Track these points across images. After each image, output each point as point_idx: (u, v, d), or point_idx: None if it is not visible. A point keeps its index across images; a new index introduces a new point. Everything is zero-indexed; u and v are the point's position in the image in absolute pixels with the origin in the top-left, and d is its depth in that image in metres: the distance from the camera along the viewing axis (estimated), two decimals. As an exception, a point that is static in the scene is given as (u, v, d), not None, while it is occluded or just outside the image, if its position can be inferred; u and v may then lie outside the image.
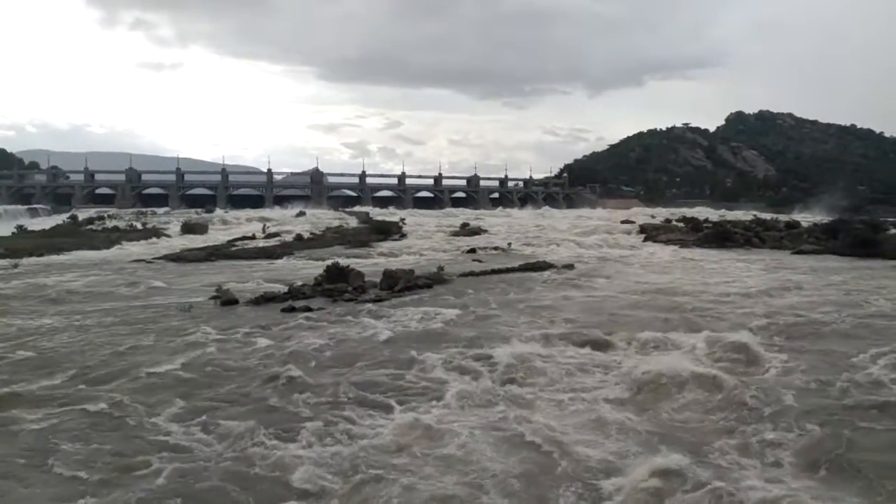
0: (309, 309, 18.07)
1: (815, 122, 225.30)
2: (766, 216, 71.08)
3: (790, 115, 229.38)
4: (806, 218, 77.32)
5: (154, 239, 46.07)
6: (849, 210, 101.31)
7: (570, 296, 20.89)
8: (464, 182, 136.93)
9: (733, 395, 9.99)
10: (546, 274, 26.76)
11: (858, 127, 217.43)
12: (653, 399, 10.08)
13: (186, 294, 21.11)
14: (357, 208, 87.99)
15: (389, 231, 49.43)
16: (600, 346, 13.44)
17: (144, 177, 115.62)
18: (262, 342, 14.04)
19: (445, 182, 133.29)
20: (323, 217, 66.90)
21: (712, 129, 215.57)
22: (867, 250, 36.81)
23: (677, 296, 20.60)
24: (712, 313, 17.37)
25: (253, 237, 45.66)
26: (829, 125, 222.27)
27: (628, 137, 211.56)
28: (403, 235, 49.18)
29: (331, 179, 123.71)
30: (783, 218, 68.71)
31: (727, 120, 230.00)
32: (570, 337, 14.08)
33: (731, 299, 19.81)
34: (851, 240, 39.23)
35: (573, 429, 8.78)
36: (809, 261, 33.73)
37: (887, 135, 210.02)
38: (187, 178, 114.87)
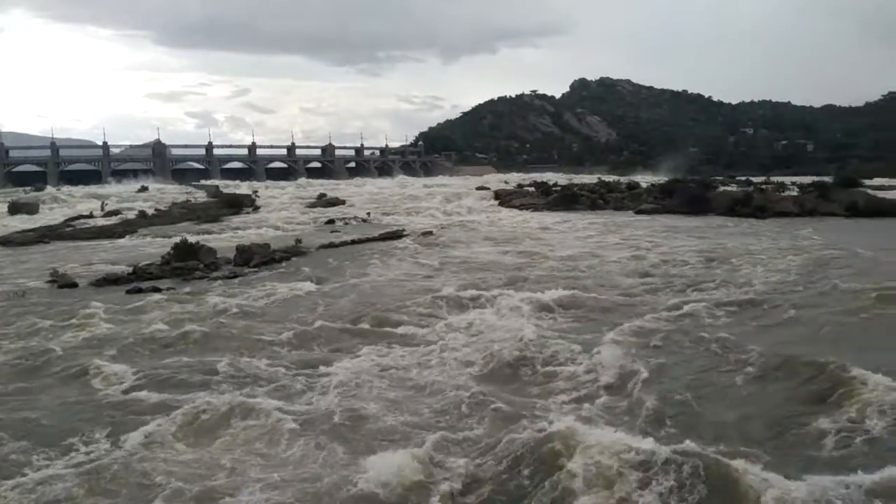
0: (157, 290, 17.05)
1: (650, 88, 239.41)
2: (610, 179, 75.28)
3: (628, 82, 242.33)
4: (645, 179, 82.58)
5: (-26, 222, 41.65)
6: (683, 170, 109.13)
7: (425, 262, 21.12)
8: (318, 152, 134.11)
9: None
10: (406, 241, 26.87)
11: (690, 92, 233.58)
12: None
13: (18, 279, 19.27)
14: (205, 182, 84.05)
15: (241, 204, 47.60)
16: (463, 306, 13.91)
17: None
18: (103, 327, 13.06)
19: (299, 152, 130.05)
20: (168, 192, 63.40)
21: (558, 95, 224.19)
22: (699, 207, 39.96)
23: (524, 258, 21.45)
24: (555, 274, 18.29)
25: (91, 216, 42.36)
26: (663, 90, 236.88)
27: (481, 105, 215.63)
28: (257, 208, 47.56)
29: (175, 152, 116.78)
30: (625, 180, 73.09)
31: (571, 87, 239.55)
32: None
33: (569, 261, 20.88)
34: (685, 198, 42.39)
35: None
36: (648, 219, 36.18)
37: (715, 99, 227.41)
38: (12, 154, 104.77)
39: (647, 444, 6.41)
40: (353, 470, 6.69)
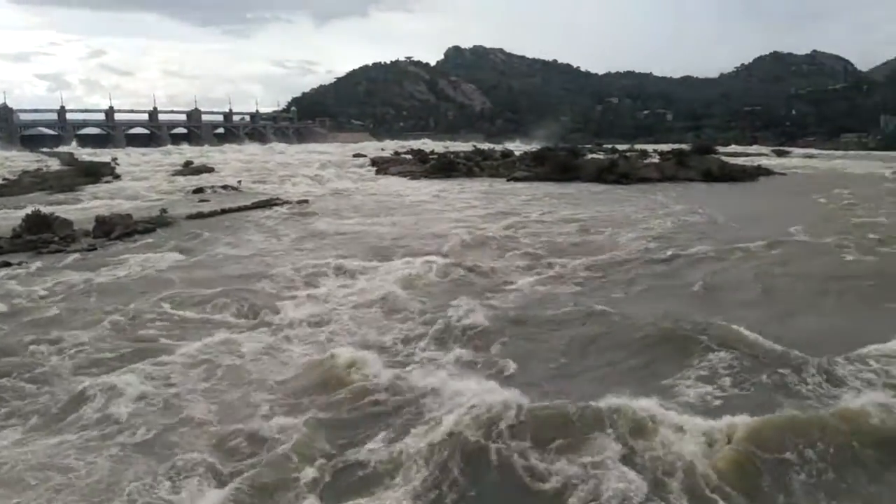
0: (7, 264, 15.72)
1: (522, 58, 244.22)
2: (485, 146, 76.47)
3: (501, 51, 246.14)
4: (519, 147, 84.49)
5: None
6: (555, 139, 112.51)
7: (296, 234, 20.61)
8: (183, 117, 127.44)
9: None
10: (281, 210, 26.13)
11: (560, 62, 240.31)
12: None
13: None
14: (59, 149, 77.92)
15: (100, 173, 44.50)
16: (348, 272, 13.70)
17: None
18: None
19: (162, 117, 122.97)
20: (17, 160, 58.23)
21: (433, 62, 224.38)
22: (569, 174, 41.32)
23: (400, 228, 21.40)
24: (429, 243, 18.33)
25: (-77, 186, 38.31)
26: (535, 60, 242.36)
27: (355, 70, 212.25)
28: (117, 177, 44.62)
29: (23, 117, 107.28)
30: (499, 148, 74.45)
31: (445, 54, 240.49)
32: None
33: (448, 232, 21.06)
34: (556, 166, 43.72)
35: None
36: (521, 186, 37.05)
37: (584, 69, 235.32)
38: None
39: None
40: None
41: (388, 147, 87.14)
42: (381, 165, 52.62)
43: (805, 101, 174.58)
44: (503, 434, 6.10)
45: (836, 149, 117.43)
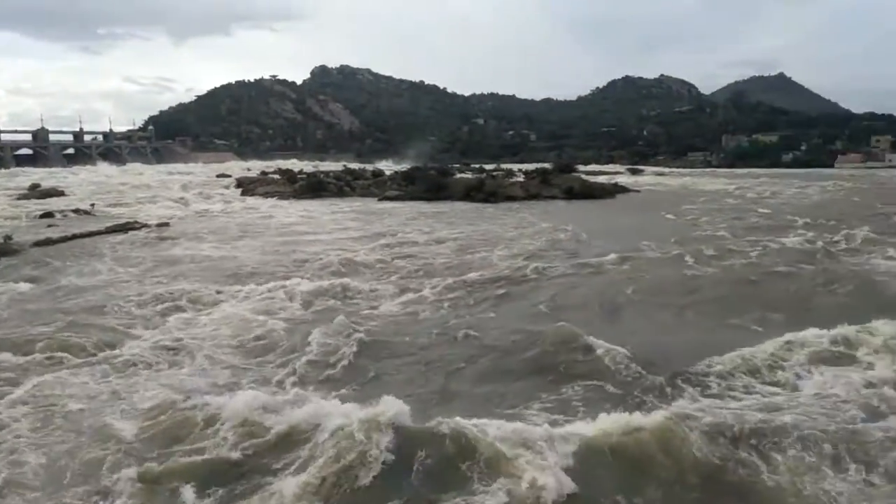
0: None
1: (390, 78, 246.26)
2: (355, 166, 76.21)
3: (368, 71, 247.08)
4: (389, 167, 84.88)
5: None
6: (425, 158, 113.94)
7: (160, 255, 19.54)
8: (29, 137, 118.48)
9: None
10: (139, 234, 24.68)
11: (427, 83, 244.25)
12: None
13: None
14: None
15: (-70, 197, 40.47)
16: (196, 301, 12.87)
17: None
18: None
19: (5, 137, 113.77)
20: None
21: (299, 81, 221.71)
22: (440, 193, 41.91)
23: (272, 254, 20.79)
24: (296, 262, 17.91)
25: None
26: (402, 81, 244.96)
27: (217, 88, 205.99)
28: (-49, 202, 40.72)
29: None
30: (370, 167, 74.46)
31: (312, 73, 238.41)
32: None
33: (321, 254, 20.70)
34: (427, 185, 44.22)
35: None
36: (391, 205, 37.12)
37: (450, 90, 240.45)
38: None
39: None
40: None
41: (255, 167, 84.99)
42: (248, 186, 51.13)
43: (655, 122, 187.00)
44: (378, 458, 5.93)
45: (684, 166, 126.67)
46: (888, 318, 9.21)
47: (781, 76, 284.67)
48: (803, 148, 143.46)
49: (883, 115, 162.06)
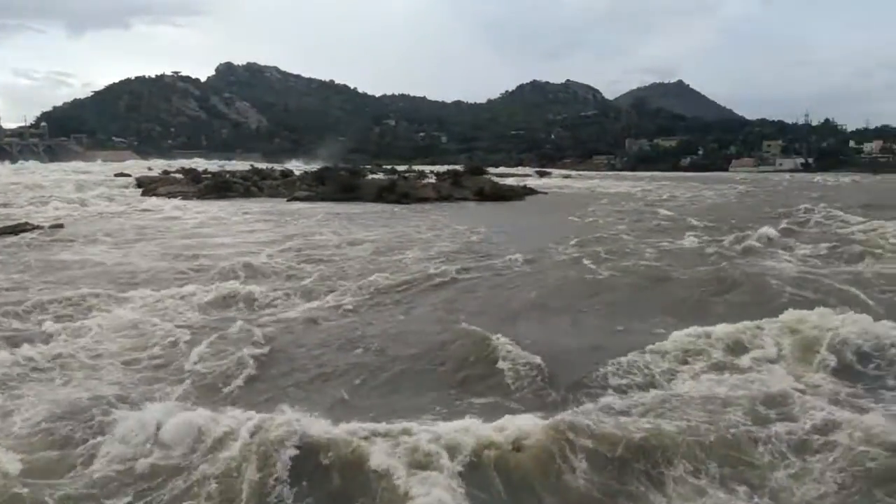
0: None
1: (298, 77, 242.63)
2: (263, 166, 74.55)
3: (276, 69, 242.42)
4: (298, 167, 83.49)
5: None
6: (336, 159, 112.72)
7: (49, 258, 18.39)
8: None
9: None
10: (29, 236, 23.18)
11: (337, 82, 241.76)
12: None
13: None
14: None
15: None
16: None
17: None
18: None
19: None
20: None
21: (203, 78, 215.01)
22: (351, 194, 41.51)
23: (170, 260, 19.97)
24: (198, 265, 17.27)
25: None
26: (311, 79, 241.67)
27: (116, 84, 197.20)
28: None
29: None
30: (278, 167, 73.00)
31: (217, 70, 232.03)
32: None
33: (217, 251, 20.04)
34: (338, 186, 43.73)
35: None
36: (300, 206, 36.46)
37: (361, 90, 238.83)
38: None
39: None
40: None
41: (157, 166, 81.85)
42: (149, 186, 49.07)
43: (562, 126, 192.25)
44: (284, 465, 5.72)
45: (590, 169, 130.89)
46: (777, 319, 9.55)
47: (680, 83, 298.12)
48: (700, 152, 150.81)
49: (774, 121, 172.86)
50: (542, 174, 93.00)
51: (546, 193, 51.63)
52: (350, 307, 12.42)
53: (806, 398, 6.96)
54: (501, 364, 8.56)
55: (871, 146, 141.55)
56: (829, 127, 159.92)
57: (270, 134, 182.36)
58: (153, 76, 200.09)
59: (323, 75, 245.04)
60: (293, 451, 5.83)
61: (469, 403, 7.59)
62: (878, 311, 10.31)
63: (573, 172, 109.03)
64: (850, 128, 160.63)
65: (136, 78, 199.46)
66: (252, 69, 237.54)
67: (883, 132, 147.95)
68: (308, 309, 12.23)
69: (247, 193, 44.88)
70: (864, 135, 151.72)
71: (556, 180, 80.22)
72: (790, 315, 9.45)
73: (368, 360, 9.25)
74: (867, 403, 6.97)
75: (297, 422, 6.18)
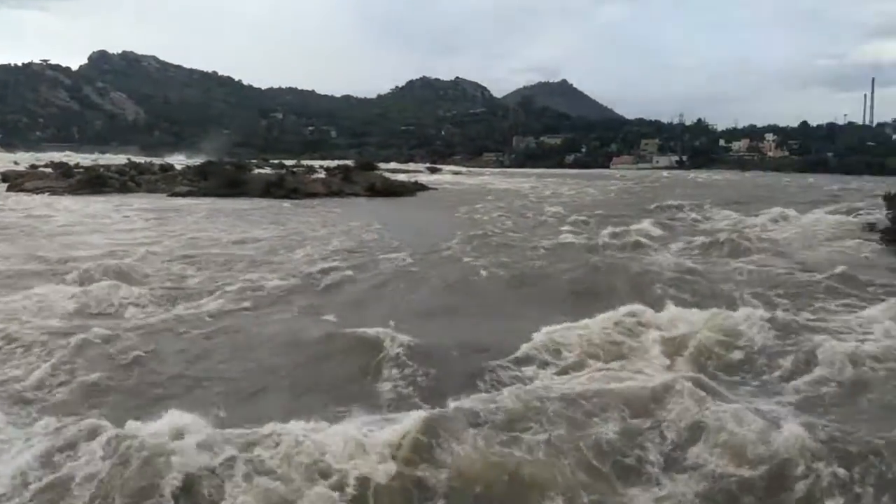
0: None
1: (179, 67, 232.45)
2: (141, 160, 70.92)
3: (155, 58, 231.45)
4: (180, 161, 79.95)
5: None
6: (222, 153, 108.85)
7: None
8: None
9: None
10: None
11: (221, 74, 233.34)
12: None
13: None
14: None
15: None
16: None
17: None
18: None
19: None
20: None
21: (75, 67, 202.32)
22: (237, 189, 40.19)
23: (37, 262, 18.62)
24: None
25: None
26: (192, 70, 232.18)
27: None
28: None
29: None
30: (157, 161, 69.62)
31: (90, 59, 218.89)
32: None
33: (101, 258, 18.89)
34: (222, 181, 42.20)
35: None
36: (183, 201, 34.93)
37: (246, 83, 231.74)
38: None
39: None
40: None
41: (23, 160, 76.55)
42: (14, 181, 45.63)
43: (451, 122, 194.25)
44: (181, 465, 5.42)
45: (479, 166, 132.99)
46: (655, 310, 9.92)
47: (564, 83, 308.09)
48: (584, 150, 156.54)
49: (651, 121, 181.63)
50: (433, 170, 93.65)
51: (437, 189, 51.95)
52: (229, 309, 11.83)
53: (674, 398, 6.82)
54: (382, 369, 8.36)
55: (740, 145, 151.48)
56: (701, 127, 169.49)
57: (149, 126, 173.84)
58: (20, 64, 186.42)
59: (205, 66, 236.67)
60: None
61: (342, 409, 7.30)
62: (747, 305, 10.97)
63: (463, 169, 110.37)
64: (721, 127, 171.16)
65: (1, 66, 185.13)
66: (128, 58, 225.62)
67: (750, 132, 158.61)
68: (179, 314, 11.49)
69: (123, 189, 42.56)
70: (733, 134, 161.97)
71: (447, 177, 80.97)
72: (667, 312, 9.83)
73: (240, 367, 8.80)
74: (733, 399, 6.99)
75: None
